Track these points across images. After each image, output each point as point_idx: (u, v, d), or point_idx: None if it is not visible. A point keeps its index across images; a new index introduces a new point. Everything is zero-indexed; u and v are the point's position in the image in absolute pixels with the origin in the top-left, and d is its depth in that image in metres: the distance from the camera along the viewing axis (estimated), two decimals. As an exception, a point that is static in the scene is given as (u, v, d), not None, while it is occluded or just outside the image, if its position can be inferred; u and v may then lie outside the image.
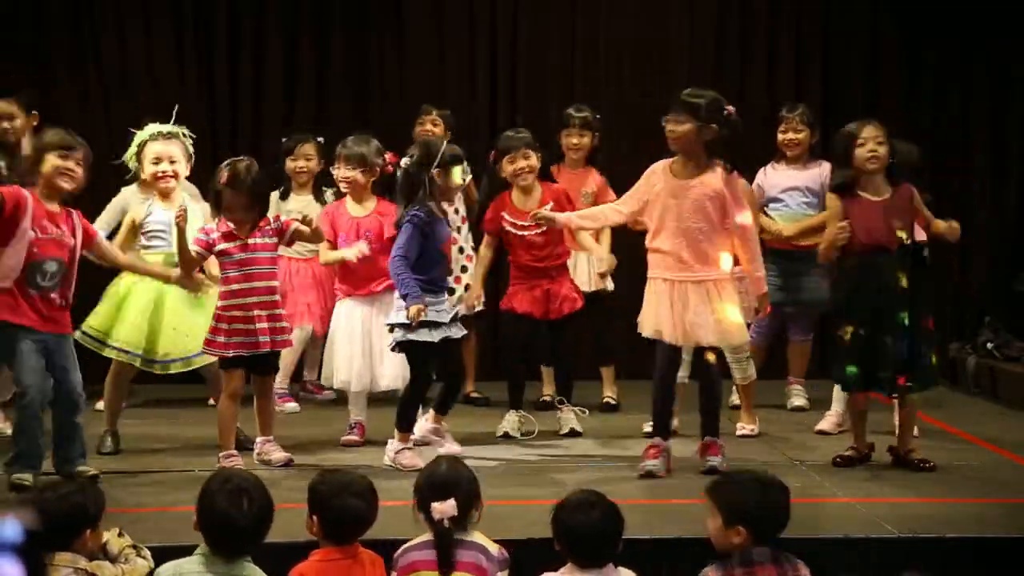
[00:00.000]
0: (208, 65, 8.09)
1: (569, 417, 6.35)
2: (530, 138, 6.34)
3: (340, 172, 6.13)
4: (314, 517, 3.73)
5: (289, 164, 7.09)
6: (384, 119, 7.76)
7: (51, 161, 5.18)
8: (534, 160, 6.27)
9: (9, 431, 5.98)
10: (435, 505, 3.72)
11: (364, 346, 5.99)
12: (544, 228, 6.12)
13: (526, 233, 6.24)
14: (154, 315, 5.87)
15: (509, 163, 6.27)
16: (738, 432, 6.25)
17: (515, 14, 8.26)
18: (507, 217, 6.30)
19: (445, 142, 5.79)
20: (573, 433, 6.30)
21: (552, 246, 6.29)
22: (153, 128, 6.00)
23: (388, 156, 6.09)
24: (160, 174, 5.91)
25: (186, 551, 3.73)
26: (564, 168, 6.89)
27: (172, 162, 5.94)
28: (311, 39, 8.15)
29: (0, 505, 4.46)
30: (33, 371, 5.12)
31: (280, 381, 6.93)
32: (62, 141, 5.24)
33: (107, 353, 5.89)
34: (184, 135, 6.03)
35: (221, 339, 5.51)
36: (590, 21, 8.33)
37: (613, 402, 7.02)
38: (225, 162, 5.60)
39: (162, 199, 5.97)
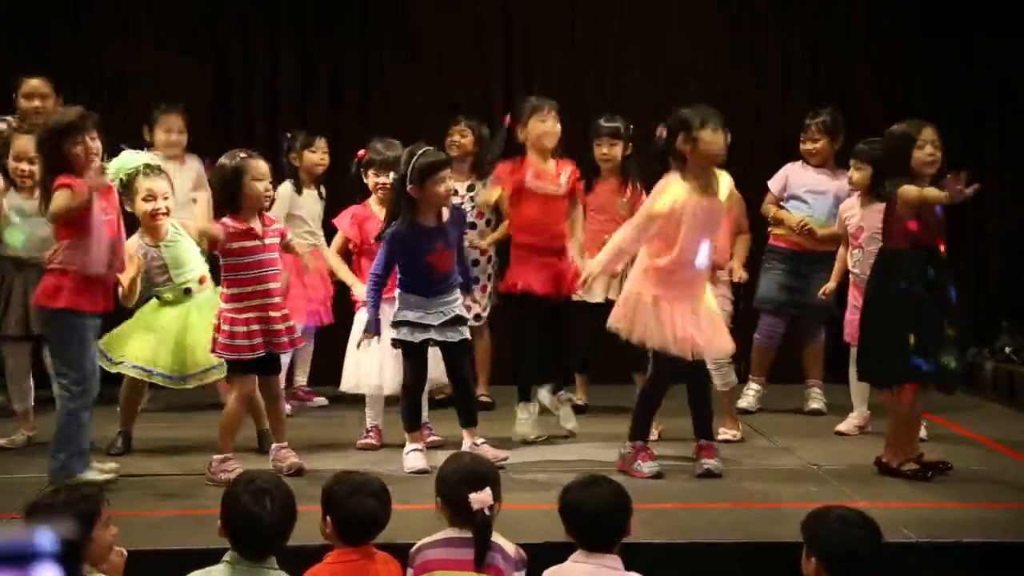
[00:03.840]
0: (223, 67, 8.09)
1: (567, 414, 6.30)
2: (557, 105, 6.30)
3: (379, 179, 6.11)
4: (328, 519, 3.72)
5: (309, 156, 7.01)
6: (388, 122, 7.76)
7: (71, 151, 5.08)
8: (559, 127, 6.22)
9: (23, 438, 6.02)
10: (473, 496, 3.70)
11: (391, 350, 5.93)
12: (565, 189, 6.20)
13: (550, 192, 6.19)
14: (180, 333, 5.90)
15: (540, 122, 6.17)
16: (720, 437, 6.16)
17: (527, 25, 8.25)
18: (530, 176, 6.20)
19: (420, 152, 5.59)
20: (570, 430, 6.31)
21: (560, 221, 6.26)
22: (137, 159, 5.95)
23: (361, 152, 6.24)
24: (153, 211, 5.86)
25: (201, 555, 3.72)
26: (599, 180, 6.84)
27: (165, 198, 5.91)
28: (322, 42, 8.14)
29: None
30: (94, 362, 5.20)
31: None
32: (75, 121, 5.14)
33: (116, 370, 5.88)
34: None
35: (242, 342, 5.39)
36: (599, 24, 8.31)
37: None
38: (240, 154, 5.49)
39: (150, 238, 5.92)
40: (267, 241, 5.50)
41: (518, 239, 6.30)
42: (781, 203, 6.98)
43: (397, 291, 5.67)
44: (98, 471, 5.25)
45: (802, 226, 6.82)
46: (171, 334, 5.90)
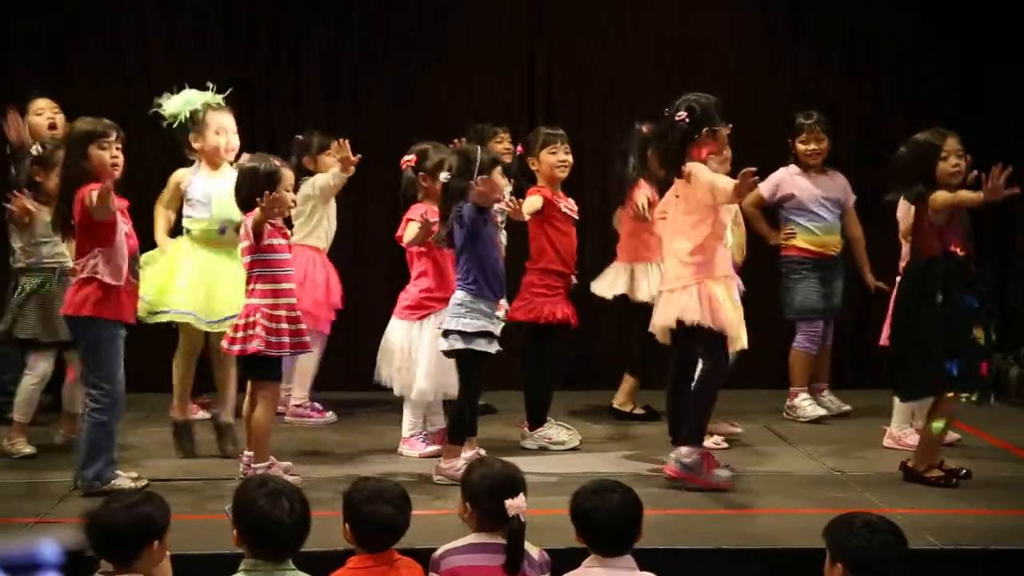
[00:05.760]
0: (245, 69, 8.08)
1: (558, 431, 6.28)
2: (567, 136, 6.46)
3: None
4: (347, 525, 3.72)
5: (326, 160, 6.85)
6: (410, 125, 7.76)
7: (97, 154, 5.20)
8: (571, 158, 6.38)
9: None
10: (509, 502, 3.70)
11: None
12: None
13: (575, 219, 6.34)
14: (210, 277, 5.87)
15: (550, 154, 6.32)
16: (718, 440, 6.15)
17: (551, 34, 8.23)
18: (559, 202, 6.31)
19: (479, 148, 5.76)
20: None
21: None
22: (207, 97, 6.04)
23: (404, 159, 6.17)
24: (225, 147, 5.95)
25: (218, 560, 3.72)
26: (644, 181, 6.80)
27: (234, 133, 5.99)
28: (352, 45, 8.12)
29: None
30: (121, 370, 5.22)
31: (305, 393, 6.91)
32: (97, 130, 5.24)
33: (163, 319, 5.84)
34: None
35: (282, 339, 5.32)
36: (623, 29, 8.29)
37: None
38: (274, 161, 5.47)
39: (211, 168, 5.97)
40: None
41: (552, 267, 6.28)
42: (787, 214, 6.94)
43: (463, 297, 5.55)
44: (128, 479, 5.27)
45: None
46: (203, 279, 5.85)
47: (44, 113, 6.60)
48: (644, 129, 6.69)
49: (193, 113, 5.98)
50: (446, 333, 5.55)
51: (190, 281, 5.86)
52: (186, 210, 6.01)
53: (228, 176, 5.84)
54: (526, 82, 8.22)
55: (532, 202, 6.19)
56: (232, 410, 5.99)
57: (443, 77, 8.10)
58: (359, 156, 6.29)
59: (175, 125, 6.03)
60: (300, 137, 7.05)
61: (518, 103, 8.14)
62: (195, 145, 6.03)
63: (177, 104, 6.01)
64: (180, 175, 6.06)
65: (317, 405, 6.95)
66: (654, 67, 8.17)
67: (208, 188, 5.94)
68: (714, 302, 5.30)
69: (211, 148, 5.96)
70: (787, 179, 6.91)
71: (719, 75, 7.92)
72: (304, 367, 6.80)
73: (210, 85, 6.13)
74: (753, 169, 5.09)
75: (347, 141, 6.28)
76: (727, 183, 5.23)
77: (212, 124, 5.97)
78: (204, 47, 8.01)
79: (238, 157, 5.89)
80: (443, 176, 5.70)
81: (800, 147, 6.91)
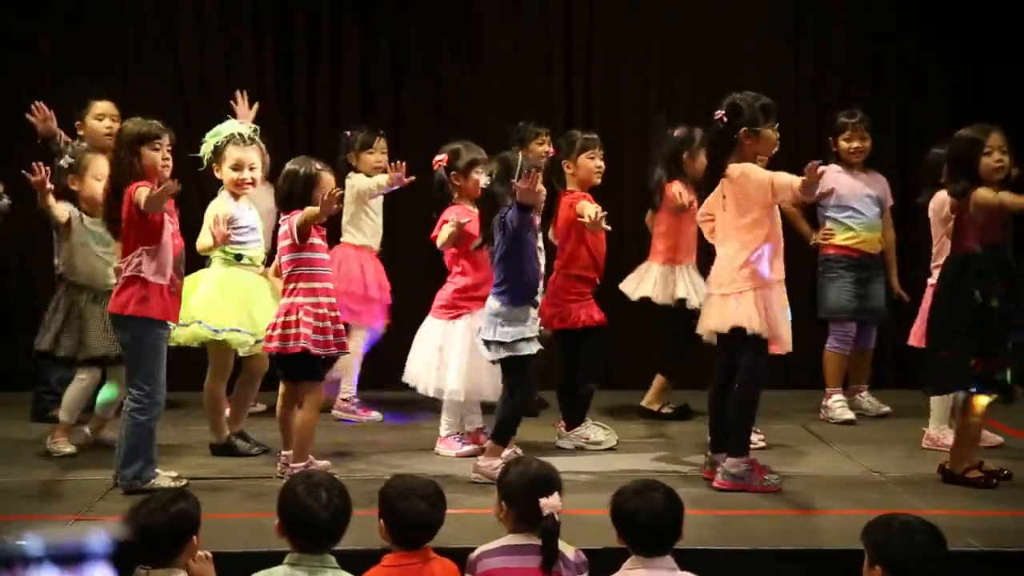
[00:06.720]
0: (287, 75, 8.13)
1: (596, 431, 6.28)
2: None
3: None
4: (382, 521, 3.73)
5: (367, 158, 6.91)
6: (458, 127, 7.77)
7: (149, 155, 5.24)
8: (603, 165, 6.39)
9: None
10: (544, 501, 3.70)
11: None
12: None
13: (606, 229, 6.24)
14: (260, 298, 5.92)
15: (589, 159, 6.32)
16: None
17: (590, 24, 8.24)
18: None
19: (520, 154, 5.75)
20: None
21: None
22: (232, 128, 6.06)
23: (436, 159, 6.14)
24: (239, 181, 5.95)
25: (264, 558, 3.74)
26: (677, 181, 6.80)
27: (251, 169, 5.98)
28: (388, 45, 8.15)
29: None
30: (163, 371, 5.26)
31: (350, 391, 6.96)
32: (149, 132, 5.27)
33: (221, 337, 5.84)
34: (259, 139, 6.09)
35: (328, 337, 5.41)
36: (657, 31, 8.29)
37: None
38: (316, 165, 5.58)
39: (234, 199, 6.01)
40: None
41: (582, 273, 6.26)
42: (827, 212, 6.94)
43: (497, 307, 5.52)
44: (167, 478, 5.31)
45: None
46: (256, 296, 5.91)
47: (104, 119, 6.57)
48: (676, 133, 6.72)
49: (218, 144, 5.99)
50: (487, 343, 5.55)
51: (207, 294, 5.90)
52: (236, 237, 5.93)
53: (255, 204, 6.08)
54: (562, 82, 8.21)
55: (589, 208, 6.09)
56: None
57: (482, 75, 8.12)
58: (412, 179, 6.36)
59: (205, 155, 6.07)
60: (348, 133, 7.04)
61: (557, 107, 8.13)
62: (217, 176, 6.03)
63: (210, 133, 6.07)
64: (218, 207, 5.95)
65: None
66: (658, 67, 8.18)
67: (251, 218, 6.03)
68: (769, 309, 5.26)
69: (227, 181, 5.98)
70: (829, 176, 6.85)
71: (718, 75, 7.91)
72: (346, 362, 6.82)
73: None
74: (819, 162, 5.03)
75: (404, 163, 6.38)
76: (789, 180, 5.15)
77: (229, 158, 5.96)
78: (204, 47, 8.06)
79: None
80: (484, 181, 5.68)
81: (843, 145, 6.93)
